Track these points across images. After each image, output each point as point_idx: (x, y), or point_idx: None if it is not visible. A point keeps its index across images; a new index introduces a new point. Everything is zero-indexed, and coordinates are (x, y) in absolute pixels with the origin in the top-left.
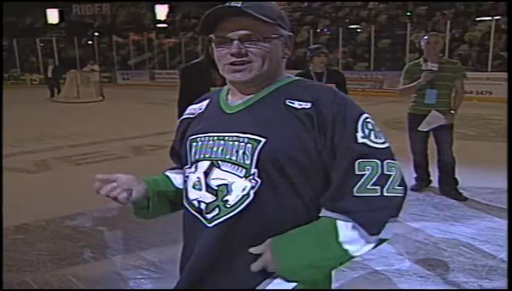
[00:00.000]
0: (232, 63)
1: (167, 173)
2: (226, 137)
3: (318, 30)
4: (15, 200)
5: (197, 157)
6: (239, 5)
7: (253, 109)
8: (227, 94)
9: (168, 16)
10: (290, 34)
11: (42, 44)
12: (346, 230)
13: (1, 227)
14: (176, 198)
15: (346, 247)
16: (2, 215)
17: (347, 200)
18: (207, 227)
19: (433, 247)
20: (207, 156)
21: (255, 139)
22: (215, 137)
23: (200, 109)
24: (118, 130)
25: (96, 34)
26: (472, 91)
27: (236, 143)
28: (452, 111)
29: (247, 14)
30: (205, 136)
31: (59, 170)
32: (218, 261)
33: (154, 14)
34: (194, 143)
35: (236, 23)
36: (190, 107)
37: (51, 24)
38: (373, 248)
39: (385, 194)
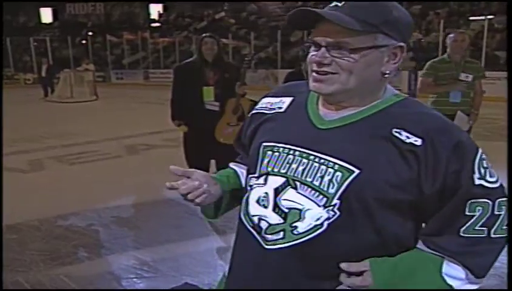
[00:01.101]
0: (316, 71)
1: (234, 167)
2: (312, 157)
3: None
4: (8, 200)
5: (269, 169)
6: (340, 4)
7: (352, 130)
8: (317, 101)
9: (162, 15)
10: (401, 44)
11: (35, 43)
12: (451, 267)
13: (1, 226)
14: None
15: (449, 281)
16: (2, 215)
17: (451, 239)
18: (265, 248)
19: None
20: (282, 171)
21: (348, 169)
22: (297, 153)
23: (280, 107)
24: (112, 130)
25: (90, 33)
26: None
27: (324, 167)
28: (476, 112)
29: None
30: (285, 148)
31: (53, 169)
32: (276, 282)
33: (148, 13)
34: (269, 152)
35: (328, 27)
36: (266, 100)
37: (45, 23)
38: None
39: (492, 236)
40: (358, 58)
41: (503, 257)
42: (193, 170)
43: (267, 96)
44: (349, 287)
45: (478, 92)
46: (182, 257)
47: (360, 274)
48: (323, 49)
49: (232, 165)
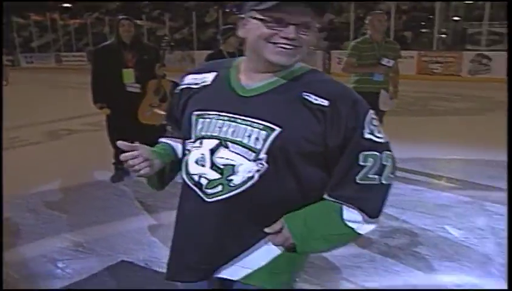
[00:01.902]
0: (278, 44)
1: (168, 141)
2: (239, 120)
3: (227, 10)
4: None
5: (203, 133)
6: None
7: (270, 96)
8: (237, 73)
9: None
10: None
11: None
12: (350, 212)
13: (1, 226)
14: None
15: (350, 225)
16: (2, 214)
17: (350, 187)
18: (206, 201)
19: None
20: (215, 134)
21: (271, 127)
22: (226, 118)
23: (204, 81)
24: (28, 116)
25: None
26: None
27: (250, 127)
28: (395, 89)
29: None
30: (215, 114)
31: None
32: (218, 235)
33: None
34: (200, 120)
35: (299, 9)
36: (190, 77)
37: None
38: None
39: (383, 182)
40: (312, 34)
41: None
42: (137, 144)
43: (191, 73)
44: (275, 244)
45: (395, 71)
46: (114, 237)
47: (279, 231)
48: (292, 27)
49: (163, 140)
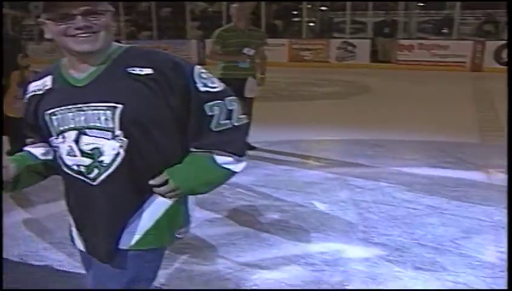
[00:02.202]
0: (76, 36)
1: (29, 149)
2: (85, 108)
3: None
4: None
5: (61, 128)
6: None
7: (101, 80)
8: (67, 69)
9: None
10: (113, 9)
11: None
12: (221, 157)
13: (1, 226)
14: (44, 169)
15: (227, 167)
16: (3, 214)
17: (209, 136)
18: (92, 185)
19: (218, 195)
20: (71, 126)
21: (113, 106)
22: (73, 109)
23: (46, 85)
24: None
25: None
26: None
27: (96, 111)
28: (263, 76)
29: None
30: (63, 109)
31: None
32: (110, 207)
33: None
34: (54, 117)
35: (77, 1)
36: (33, 84)
37: None
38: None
39: (235, 124)
40: (106, 19)
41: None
42: None
43: (34, 81)
44: (161, 194)
45: (262, 57)
46: None
47: (165, 183)
48: (79, 17)
49: (26, 148)
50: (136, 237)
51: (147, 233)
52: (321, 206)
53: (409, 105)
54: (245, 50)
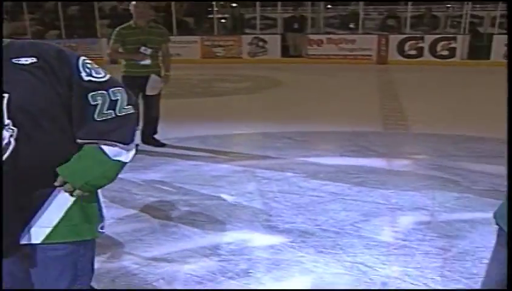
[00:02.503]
0: None
1: None
2: None
3: None
4: None
5: None
6: None
7: None
8: None
9: None
10: None
11: None
12: (109, 148)
13: (1, 226)
14: None
15: (117, 158)
16: (2, 215)
17: (92, 126)
18: None
19: (127, 193)
20: None
21: (0, 96)
22: None
23: None
24: None
25: None
26: None
27: None
28: (167, 73)
29: None
30: None
31: None
32: (13, 205)
33: None
34: None
35: None
36: None
37: None
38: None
39: (118, 114)
40: None
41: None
42: None
43: None
44: (67, 192)
45: (166, 55)
46: None
47: (64, 182)
48: None
49: None
50: (45, 230)
51: (58, 226)
52: (228, 198)
53: (318, 98)
54: (142, 49)
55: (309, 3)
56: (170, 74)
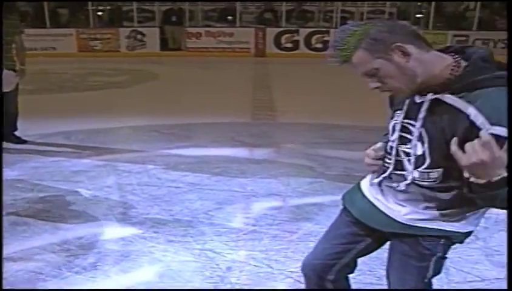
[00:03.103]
0: None
1: None
2: None
3: None
4: None
5: None
6: None
7: None
8: None
9: None
10: None
11: None
12: None
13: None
14: None
15: None
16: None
17: None
18: None
19: None
20: None
21: None
22: None
23: None
24: None
25: None
26: (37, 47)
27: None
28: (22, 67)
29: None
30: None
31: None
32: None
33: None
34: None
35: None
36: None
37: None
38: None
39: None
40: None
41: None
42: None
43: None
44: None
45: (20, 48)
46: None
47: None
48: None
49: None
50: None
51: None
52: (85, 193)
53: (195, 90)
54: None
55: None
56: (26, 68)
